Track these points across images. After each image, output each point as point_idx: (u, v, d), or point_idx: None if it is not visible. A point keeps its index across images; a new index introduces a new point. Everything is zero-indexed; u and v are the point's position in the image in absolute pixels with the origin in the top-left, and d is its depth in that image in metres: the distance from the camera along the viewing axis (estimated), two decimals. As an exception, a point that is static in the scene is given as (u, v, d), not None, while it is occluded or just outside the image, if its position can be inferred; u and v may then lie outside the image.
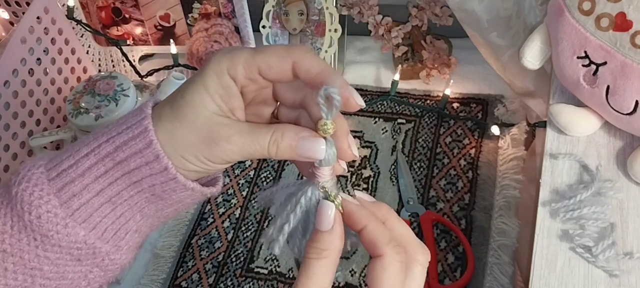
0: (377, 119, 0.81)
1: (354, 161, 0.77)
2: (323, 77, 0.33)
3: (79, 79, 0.89)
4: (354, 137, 0.80)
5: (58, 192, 0.34)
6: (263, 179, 0.78)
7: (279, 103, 0.38)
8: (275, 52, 0.34)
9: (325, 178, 0.34)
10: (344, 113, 0.35)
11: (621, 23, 0.44)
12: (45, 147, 0.80)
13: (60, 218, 0.34)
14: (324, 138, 0.34)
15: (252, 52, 0.35)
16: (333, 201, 0.34)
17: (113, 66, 0.98)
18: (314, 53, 0.35)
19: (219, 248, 0.73)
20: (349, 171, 0.76)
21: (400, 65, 0.83)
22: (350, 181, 0.75)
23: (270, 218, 0.74)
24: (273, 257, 0.70)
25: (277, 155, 0.35)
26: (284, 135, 0.34)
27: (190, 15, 0.90)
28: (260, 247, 0.72)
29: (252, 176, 0.79)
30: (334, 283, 0.66)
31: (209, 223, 0.76)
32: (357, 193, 0.36)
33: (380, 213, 0.35)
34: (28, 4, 0.86)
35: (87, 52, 0.93)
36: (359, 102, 0.34)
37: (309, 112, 0.36)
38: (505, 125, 0.74)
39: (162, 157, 0.33)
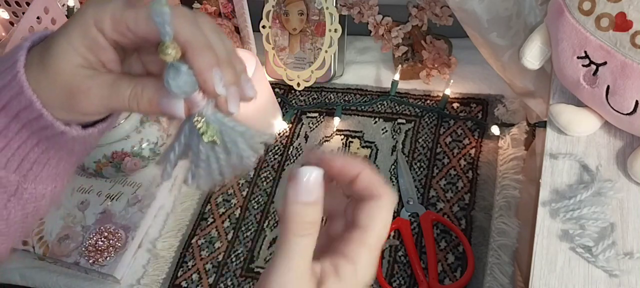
0: (377, 119, 0.81)
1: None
2: (192, 48, 0.31)
3: (79, 79, 0.88)
4: (354, 137, 0.80)
5: None
6: (263, 179, 0.78)
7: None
8: (146, 10, 0.31)
9: (198, 106, 0.32)
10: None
11: (621, 23, 0.44)
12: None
13: None
14: (177, 83, 0.31)
15: (121, 6, 0.32)
16: (207, 132, 0.32)
17: (113, 66, 0.97)
18: (189, 17, 0.32)
19: (219, 248, 0.73)
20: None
21: (400, 65, 0.83)
22: (350, 181, 0.75)
23: (270, 217, 0.74)
24: (273, 257, 0.70)
25: (139, 110, 0.34)
26: (144, 90, 0.33)
27: (190, 15, 0.90)
28: (261, 247, 0.71)
29: (251, 176, 0.79)
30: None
31: (209, 223, 0.76)
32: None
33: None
34: (28, 4, 0.86)
35: (87, 52, 0.92)
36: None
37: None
38: (505, 125, 0.74)
39: (26, 90, 0.33)
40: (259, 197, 0.77)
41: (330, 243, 0.34)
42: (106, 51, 0.34)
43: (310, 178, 0.30)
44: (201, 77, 0.31)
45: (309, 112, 0.85)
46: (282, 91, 0.89)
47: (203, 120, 0.32)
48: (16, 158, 0.36)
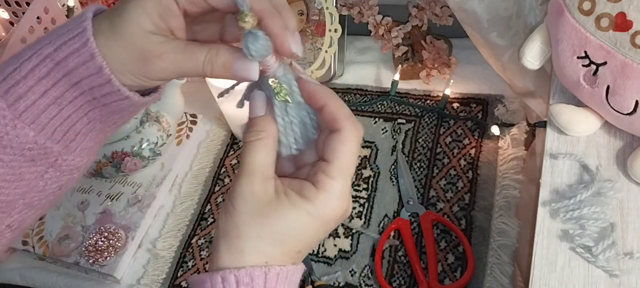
0: (377, 119, 0.81)
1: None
2: (268, 15, 0.33)
3: (79, 79, 0.88)
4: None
5: (4, 94, 0.34)
6: (263, 179, 0.78)
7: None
8: None
9: (272, 69, 0.35)
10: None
11: (621, 23, 0.44)
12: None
13: (8, 119, 0.34)
14: (254, 49, 0.34)
15: None
16: (281, 91, 0.36)
17: (113, 66, 0.97)
18: None
19: (219, 248, 0.72)
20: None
21: (400, 65, 0.83)
22: (350, 181, 0.75)
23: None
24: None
25: (212, 74, 0.35)
26: (218, 54, 0.35)
27: (190, 15, 0.90)
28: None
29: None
30: (333, 283, 0.66)
31: (209, 223, 0.76)
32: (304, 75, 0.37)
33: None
34: (28, 4, 0.86)
35: (87, 52, 0.92)
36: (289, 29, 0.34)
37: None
38: (505, 125, 0.74)
39: (97, 56, 0.34)
40: (259, 197, 0.77)
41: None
42: (177, 18, 0.35)
43: (253, 99, 0.36)
44: (277, 41, 0.34)
45: (309, 112, 0.85)
46: (282, 91, 0.89)
47: (277, 81, 0.36)
48: (63, 128, 0.36)
